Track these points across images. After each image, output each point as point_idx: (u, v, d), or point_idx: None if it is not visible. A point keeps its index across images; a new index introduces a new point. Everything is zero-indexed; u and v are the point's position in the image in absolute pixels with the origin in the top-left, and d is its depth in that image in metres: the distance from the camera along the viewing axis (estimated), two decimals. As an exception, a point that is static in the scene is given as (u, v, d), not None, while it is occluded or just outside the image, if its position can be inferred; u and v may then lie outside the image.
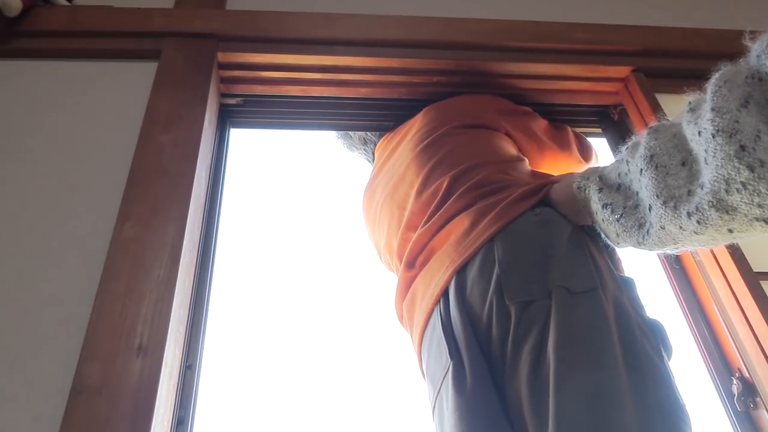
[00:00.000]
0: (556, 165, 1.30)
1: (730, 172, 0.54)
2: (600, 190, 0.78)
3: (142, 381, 0.77)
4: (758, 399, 0.95)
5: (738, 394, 0.97)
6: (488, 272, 0.84)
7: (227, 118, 1.32)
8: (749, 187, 0.53)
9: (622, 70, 1.32)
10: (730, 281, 1.01)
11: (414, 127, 1.23)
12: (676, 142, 0.65)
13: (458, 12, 1.36)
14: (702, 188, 0.59)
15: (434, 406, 0.87)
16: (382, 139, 1.38)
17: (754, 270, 0.99)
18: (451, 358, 0.82)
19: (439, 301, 0.91)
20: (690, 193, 0.61)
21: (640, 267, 1.09)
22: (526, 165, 1.14)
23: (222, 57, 1.21)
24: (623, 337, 0.75)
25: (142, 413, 0.74)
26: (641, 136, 0.72)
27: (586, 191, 0.81)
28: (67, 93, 1.12)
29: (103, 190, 0.98)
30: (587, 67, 1.31)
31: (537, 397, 0.72)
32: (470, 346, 0.81)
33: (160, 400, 0.77)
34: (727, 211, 0.56)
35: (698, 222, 0.59)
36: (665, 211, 0.64)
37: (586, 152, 1.37)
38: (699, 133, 0.59)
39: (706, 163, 0.58)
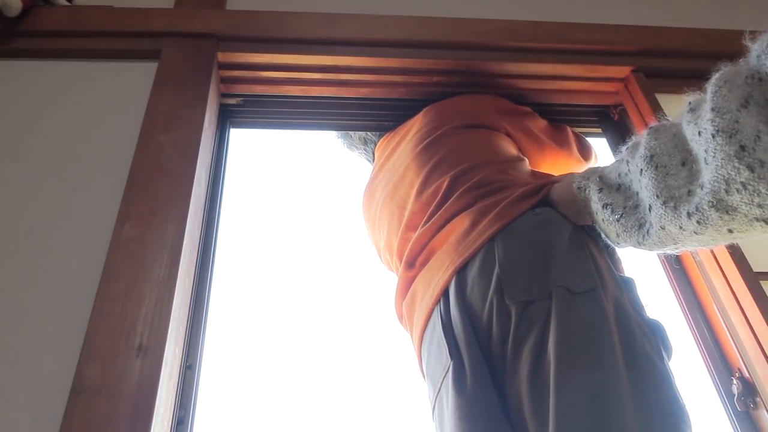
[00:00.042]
0: (556, 165, 1.30)
1: (730, 172, 0.54)
2: (600, 190, 0.78)
3: (142, 381, 0.77)
4: (758, 399, 0.95)
5: (738, 394, 0.97)
6: (488, 272, 0.84)
7: (227, 118, 1.32)
8: (749, 187, 0.53)
9: (622, 70, 1.32)
10: (730, 281, 1.01)
11: (414, 127, 1.23)
12: (676, 142, 0.65)
13: (458, 12, 1.36)
14: (702, 188, 0.59)
15: (434, 406, 0.87)
16: (382, 139, 1.38)
17: (754, 270, 1.00)
18: (452, 357, 0.82)
19: (439, 301, 0.91)
20: (690, 193, 0.61)
21: (640, 267, 1.09)
22: (527, 165, 1.14)
23: (222, 57, 1.21)
24: (623, 337, 0.75)
25: (142, 413, 0.74)
26: (641, 137, 0.72)
27: (586, 191, 0.81)
28: (67, 93, 1.12)
29: (103, 190, 0.98)
30: (587, 67, 1.31)
31: (537, 396, 0.72)
32: (470, 345, 0.81)
33: (160, 400, 0.77)
34: (727, 212, 0.56)
35: (698, 222, 0.59)
36: (665, 211, 0.64)
37: (585, 152, 1.37)
38: (699, 133, 0.59)
39: (706, 164, 0.58)
